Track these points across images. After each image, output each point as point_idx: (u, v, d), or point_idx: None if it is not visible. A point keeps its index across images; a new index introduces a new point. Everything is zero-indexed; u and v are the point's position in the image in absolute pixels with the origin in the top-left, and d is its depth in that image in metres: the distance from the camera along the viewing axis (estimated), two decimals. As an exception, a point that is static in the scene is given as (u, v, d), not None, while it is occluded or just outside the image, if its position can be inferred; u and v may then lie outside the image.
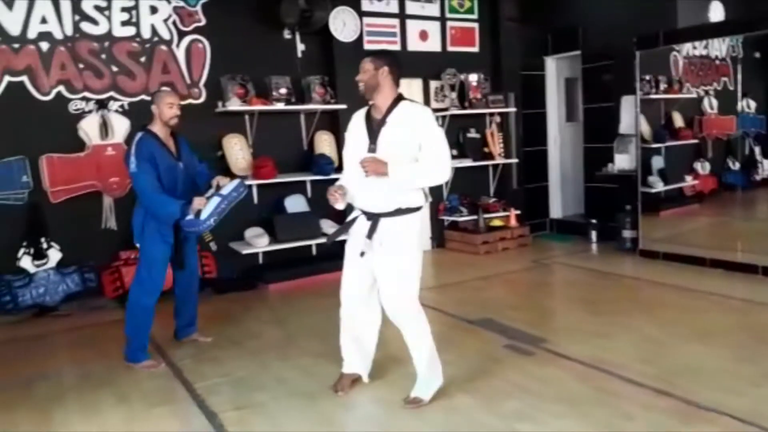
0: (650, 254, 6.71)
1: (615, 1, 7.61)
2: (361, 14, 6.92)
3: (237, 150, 6.27)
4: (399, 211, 3.32)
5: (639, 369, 3.77)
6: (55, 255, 5.48)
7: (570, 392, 3.54)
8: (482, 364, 3.98)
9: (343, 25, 6.70)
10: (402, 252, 3.33)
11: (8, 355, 4.63)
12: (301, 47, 6.70)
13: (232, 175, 5.81)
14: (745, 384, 3.54)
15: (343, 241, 3.60)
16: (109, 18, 5.77)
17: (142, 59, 5.94)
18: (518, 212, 7.87)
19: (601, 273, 6.37)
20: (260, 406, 3.54)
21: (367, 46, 6.96)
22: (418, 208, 3.38)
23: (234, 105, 6.07)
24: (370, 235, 3.33)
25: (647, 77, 7.06)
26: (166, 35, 6.03)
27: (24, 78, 5.47)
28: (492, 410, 3.36)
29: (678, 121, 7.69)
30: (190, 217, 4.12)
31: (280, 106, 6.33)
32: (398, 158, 3.26)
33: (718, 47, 7.59)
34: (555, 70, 8.69)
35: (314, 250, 6.74)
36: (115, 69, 5.83)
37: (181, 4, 6.09)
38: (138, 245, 4.31)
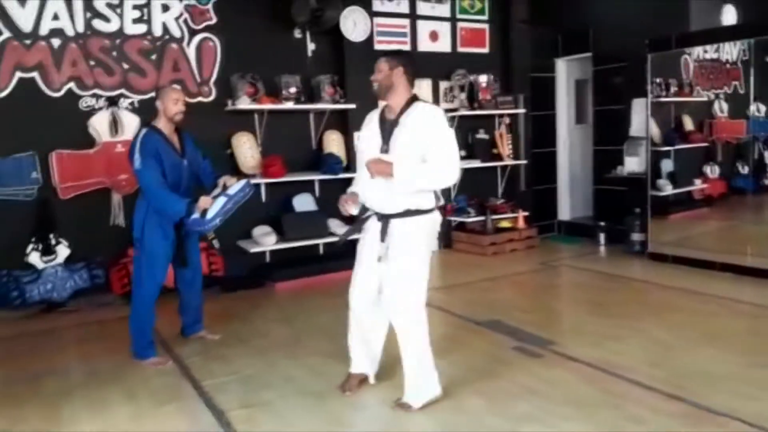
0: (659, 257, 6.67)
1: (626, 4, 7.56)
2: (372, 14, 6.91)
3: (246, 148, 6.27)
4: (408, 213, 3.31)
5: (648, 372, 3.75)
6: (63, 251, 5.49)
7: (578, 395, 3.52)
8: (490, 366, 3.97)
9: (354, 24, 6.70)
10: (409, 253, 3.31)
11: (16, 351, 4.64)
12: (311, 46, 6.70)
13: (240, 174, 5.83)
14: (756, 388, 3.51)
15: (353, 241, 3.60)
16: (120, 15, 5.79)
17: (153, 57, 5.95)
18: (526, 214, 7.85)
19: (610, 276, 6.35)
20: (268, 405, 3.54)
21: (377, 46, 6.95)
22: (428, 211, 3.35)
23: (244, 103, 6.07)
24: (383, 238, 3.33)
25: (658, 80, 7.02)
26: (177, 33, 6.04)
27: (35, 74, 5.48)
28: (500, 412, 3.35)
29: (688, 124, 7.65)
30: (196, 216, 4.11)
31: (289, 105, 6.32)
32: (410, 159, 3.25)
33: (729, 50, 7.54)
34: (565, 72, 8.66)
35: (321, 249, 6.73)
36: (126, 66, 5.84)
37: (193, 2, 6.09)
38: (137, 240, 4.27)
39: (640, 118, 7.07)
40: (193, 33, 6.11)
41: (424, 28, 7.51)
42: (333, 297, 5.65)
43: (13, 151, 5.39)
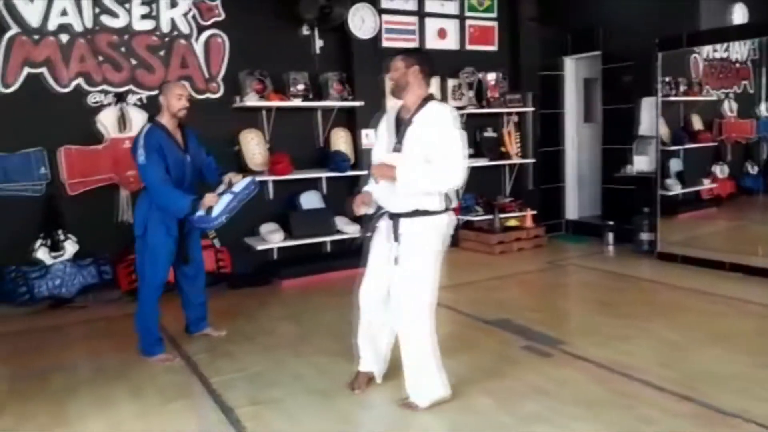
0: (668, 257, 6.64)
1: (635, 3, 7.51)
2: (380, 11, 6.89)
3: (253, 145, 6.26)
4: (417, 213, 3.29)
5: (658, 372, 3.73)
6: (71, 247, 5.49)
7: (588, 395, 3.50)
8: (499, 365, 3.95)
9: (361, 21, 6.67)
10: (417, 254, 3.29)
11: (23, 346, 4.64)
12: (319, 43, 6.67)
13: (247, 171, 5.81)
14: (767, 389, 3.48)
15: (363, 238, 3.58)
16: (129, 11, 5.78)
17: (161, 53, 5.94)
18: (534, 213, 7.81)
19: (618, 275, 6.31)
20: (276, 403, 3.52)
21: (385, 44, 6.94)
22: (437, 212, 3.31)
23: (251, 100, 6.06)
24: (396, 238, 3.31)
25: (666, 79, 6.98)
26: (185, 29, 6.03)
27: (43, 70, 5.48)
28: (509, 411, 3.33)
29: (697, 123, 7.62)
30: (201, 213, 4.10)
31: (297, 102, 6.31)
32: (414, 161, 3.22)
33: (739, 50, 7.51)
34: (574, 71, 8.62)
35: (328, 247, 6.71)
36: (134, 62, 5.83)
37: (201, -2, 6.09)
38: (138, 238, 4.23)
39: (649, 117, 7.03)
40: (201, 29, 6.10)
41: (432, 25, 7.49)
42: (339, 295, 5.62)
43: (21, 147, 5.39)
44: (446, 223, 3.37)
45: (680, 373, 3.74)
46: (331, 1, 6.31)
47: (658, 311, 5.03)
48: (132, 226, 4.22)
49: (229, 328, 4.81)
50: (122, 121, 5.69)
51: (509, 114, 7.91)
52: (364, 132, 6.68)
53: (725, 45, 7.35)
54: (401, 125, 3.35)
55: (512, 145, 7.87)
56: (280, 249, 6.39)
